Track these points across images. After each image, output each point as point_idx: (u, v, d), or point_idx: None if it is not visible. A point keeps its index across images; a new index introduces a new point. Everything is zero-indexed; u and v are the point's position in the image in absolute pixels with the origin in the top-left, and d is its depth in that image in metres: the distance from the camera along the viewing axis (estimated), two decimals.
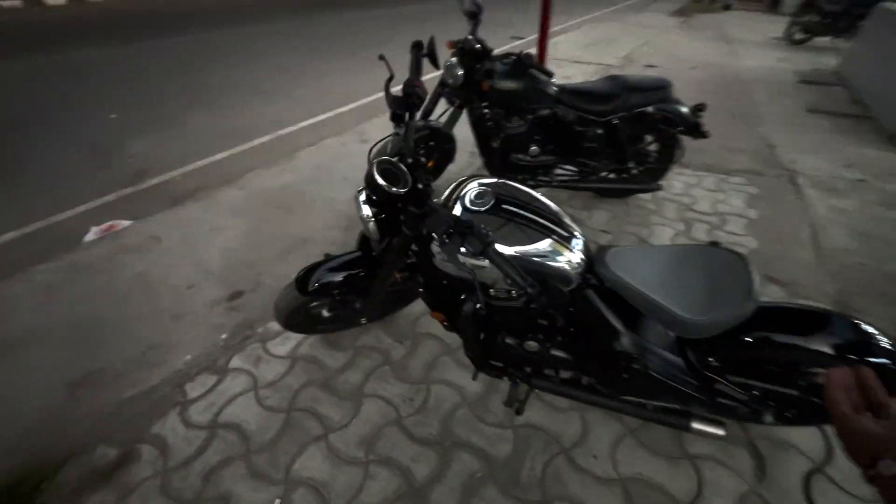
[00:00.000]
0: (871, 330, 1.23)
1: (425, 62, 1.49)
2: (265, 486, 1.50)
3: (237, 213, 3.08)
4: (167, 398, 1.79)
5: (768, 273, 2.41)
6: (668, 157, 2.87)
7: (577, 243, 1.31)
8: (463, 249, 1.04)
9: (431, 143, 2.86)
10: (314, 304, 1.76)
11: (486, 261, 1.06)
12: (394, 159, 1.19)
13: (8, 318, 2.18)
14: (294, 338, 2.05)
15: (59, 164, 3.82)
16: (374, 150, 1.36)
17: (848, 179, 3.40)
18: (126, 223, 3.07)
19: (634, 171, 2.93)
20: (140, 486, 1.50)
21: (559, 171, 2.93)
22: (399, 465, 1.55)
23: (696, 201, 3.14)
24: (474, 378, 1.66)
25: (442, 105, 2.81)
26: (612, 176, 2.96)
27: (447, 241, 1.04)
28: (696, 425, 1.42)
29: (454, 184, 1.37)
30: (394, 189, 1.14)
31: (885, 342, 1.21)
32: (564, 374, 1.60)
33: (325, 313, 1.89)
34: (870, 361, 1.18)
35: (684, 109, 2.65)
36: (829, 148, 3.95)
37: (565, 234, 1.30)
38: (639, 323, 1.32)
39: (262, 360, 1.95)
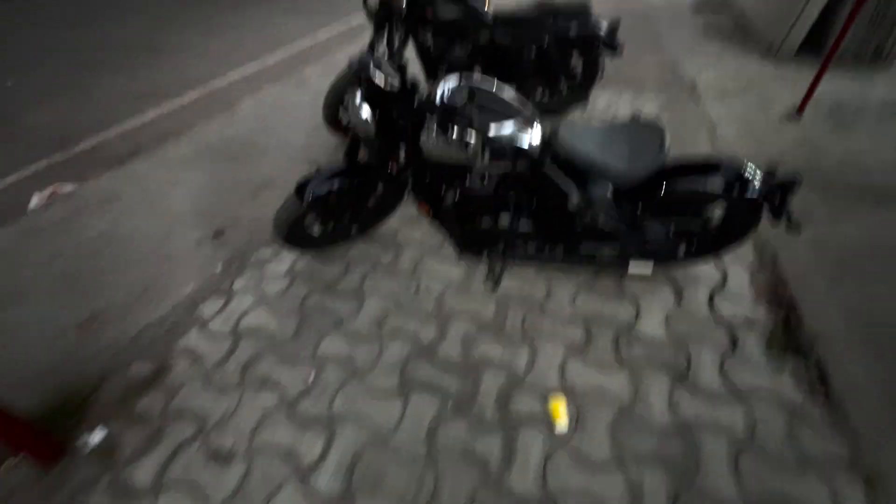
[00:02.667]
0: (748, 167, 1.68)
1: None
2: (298, 366, 1.76)
3: (191, 167, 3.08)
4: (183, 321, 1.96)
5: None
6: (592, 74, 3.25)
7: (537, 125, 1.63)
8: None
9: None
10: (309, 216, 1.97)
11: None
12: (382, 58, 1.40)
13: None
14: (287, 259, 2.25)
15: None
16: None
17: (735, 87, 4.02)
18: (70, 186, 2.97)
19: (564, 90, 3.30)
20: (184, 387, 1.70)
21: None
22: (408, 334, 1.87)
23: (618, 112, 3.60)
24: (460, 258, 1.99)
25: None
26: (545, 95, 3.31)
27: (437, 125, 1.30)
28: (632, 267, 1.86)
29: (436, 82, 1.62)
30: (388, 87, 1.37)
31: (757, 175, 1.66)
32: (531, 247, 1.98)
33: (316, 230, 2.10)
34: (747, 191, 1.65)
35: (603, 25, 3.00)
36: (721, 63, 4.57)
37: (528, 116, 1.62)
38: (586, 185, 1.69)
39: (264, 280, 2.15)
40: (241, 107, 3.93)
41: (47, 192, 2.96)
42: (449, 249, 2.24)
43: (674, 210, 1.81)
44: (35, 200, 2.90)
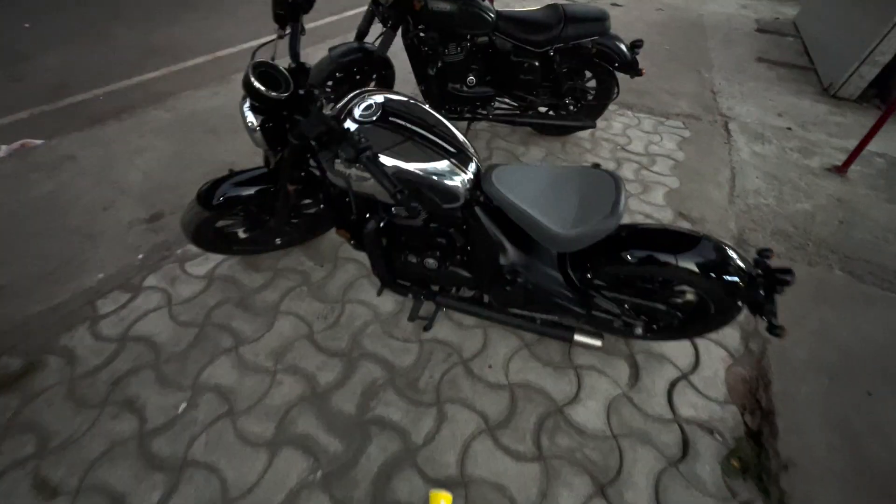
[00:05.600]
0: (730, 252, 1.35)
1: None
2: (173, 391, 1.56)
3: (163, 135, 2.92)
4: (76, 313, 1.79)
5: (681, 210, 2.56)
6: (605, 95, 2.89)
7: (469, 162, 1.34)
8: (340, 157, 1.05)
9: (366, 68, 2.75)
10: (223, 222, 1.75)
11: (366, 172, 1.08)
12: (272, 62, 1.15)
13: None
14: (214, 259, 2.05)
15: None
16: (256, 54, 1.28)
17: (776, 127, 3.54)
18: (38, 142, 2.87)
19: (572, 108, 2.95)
20: (45, 392, 1.53)
21: (497, 105, 2.90)
22: (305, 373, 1.64)
23: (631, 142, 3.21)
24: (379, 294, 1.74)
25: (379, 28, 2.67)
26: (550, 112, 2.97)
27: (322, 147, 1.04)
28: (578, 337, 1.56)
29: (349, 96, 1.35)
30: (273, 93, 1.12)
31: (739, 263, 1.34)
32: (466, 293, 1.70)
33: (241, 234, 1.89)
34: (725, 279, 1.32)
35: (621, 45, 2.63)
36: (767, 97, 4.06)
37: (455, 151, 1.33)
38: (524, 240, 1.40)
39: (179, 280, 1.95)
40: (239, 77, 3.75)
41: (15, 144, 2.87)
42: None
43: (631, 284, 1.50)
44: (2, 151, 2.81)
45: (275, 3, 1.17)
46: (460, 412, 1.56)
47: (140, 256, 2.06)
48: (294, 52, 1.21)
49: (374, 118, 1.25)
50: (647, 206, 2.59)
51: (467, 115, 2.85)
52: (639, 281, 1.50)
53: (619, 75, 2.72)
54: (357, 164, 1.09)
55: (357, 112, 1.26)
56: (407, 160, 1.25)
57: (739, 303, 1.35)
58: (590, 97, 2.92)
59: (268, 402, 1.55)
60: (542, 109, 2.95)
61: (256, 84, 1.10)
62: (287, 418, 1.51)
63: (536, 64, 2.63)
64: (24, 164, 2.61)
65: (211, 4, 5.25)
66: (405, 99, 1.37)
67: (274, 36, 1.21)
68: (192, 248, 2.08)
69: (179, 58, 4.04)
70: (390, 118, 1.28)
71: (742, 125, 3.54)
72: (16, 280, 1.91)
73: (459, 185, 1.30)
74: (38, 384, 1.56)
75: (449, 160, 1.29)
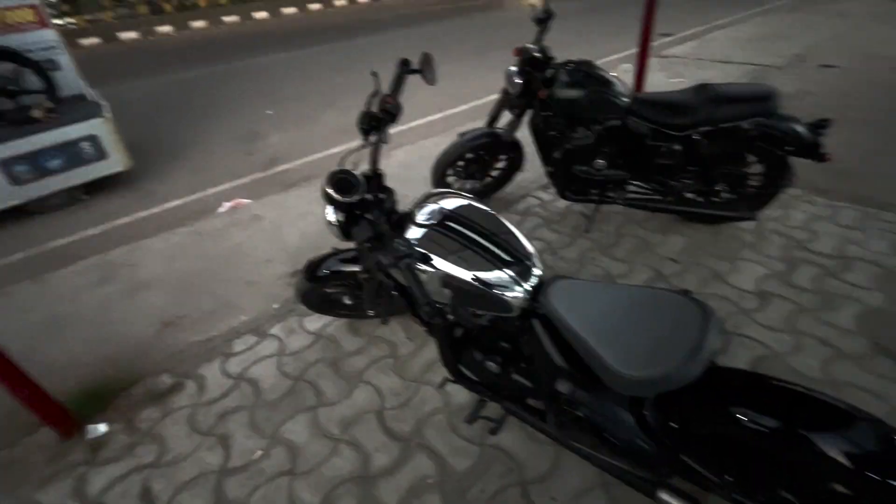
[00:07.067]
0: None
1: (416, 79, 1.48)
2: (256, 436, 1.76)
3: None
4: (217, 348, 2.20)
5: (881, 340, 1.87)
6: (773, 183, 2.38)
7: (529, 272, 1.24)
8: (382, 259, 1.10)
9: (495, 151, 2.87)
10: (329, 288, 1.97)
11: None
12: (350, 169, 1.28)
13: (143, 266, 2.90)
14: (326, 319, 2.31)
15: (221, 150, 4.83)
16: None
17: None
18: (247, 202, 3.74)
19: (726, 196, 2.51)
20: (176, 412, 1.90)
21: (632, 189, 2.66)
22: (363, 451, 1.67)
23: (817, 238, 2.54)
24: (441, 385, 1.68)
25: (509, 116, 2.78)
26: (699, 199, 2.58)
27: (373, 249, 1.11)
28: (664, 495, 1.23)
29: (419, 198, 1.41)
30: (341, 197, 1.24)
31: None
32: (534, 403, 1.52)
33: (346, 300, 2.09)
34: (888, 483, 0.90)
35: (797, 126, 2.17)
36: None
37: (515, 261, 1.25)
38: (587, 367, 1.19)
39: (294, 332, 2.25)
40: (397, 153, 4.31)
41: (233, 202, 3.81)
42: None
43: (742, 453, 1.12)
44: (223, 207, 3.76)
45: (361, 118, 1.33)
46: None
47: (275, 306, 2.44)
48: (373, 161, 1.34)
49: (434, 223, 1.27)
50: (824, 327, 1.98)
51: (594, 199, 2.69)
52: (754, 451, 1.12)
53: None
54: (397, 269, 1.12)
55: (419, 216, 1.31)
56: (459, 266, 1.23)
57: None
58: (752, 184, 2.45)
59: (323, 472, 1.61)
60: (689, 195, 2.58)
61: (328, 189, 1.24)
62: (333, 494, 1.54)
63: (676, 147, 2.35)
64: (231, 219, 3.43)
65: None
66: (477, 206, 1.37)
67: (358, 144, 1.36)
68: None
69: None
70: (450, 224, 1.28)
71: None
72: (193, 311, 2.47)
73: (514, 296, 1.21)
74: (175, 403, 1.94)
75: (508, 271, 1.22)
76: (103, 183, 4.02)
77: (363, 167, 1.37)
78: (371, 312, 2.04)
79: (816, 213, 2.76)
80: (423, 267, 1.25)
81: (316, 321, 2.30)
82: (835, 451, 0.92)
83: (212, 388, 1.99)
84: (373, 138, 1.34)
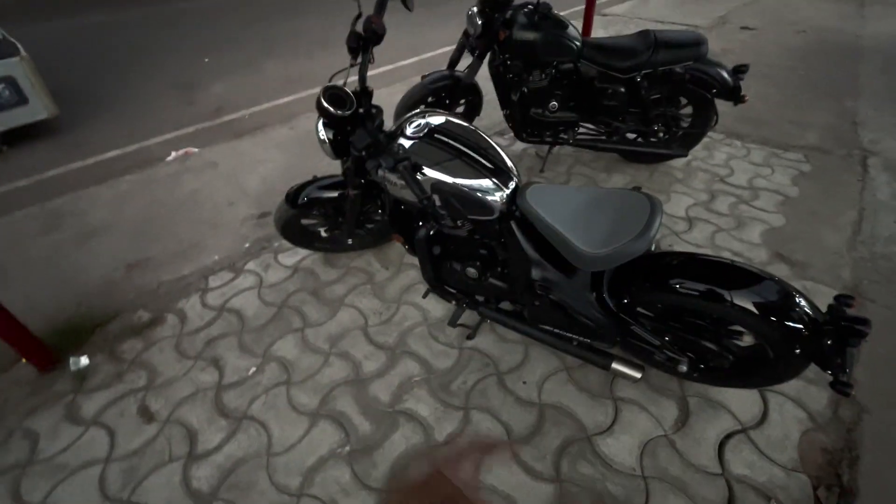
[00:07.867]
0: (798, 297, 1.23)
1: (397, 4, 1.56)
2: (248, 356, 1.86)
3: (281, 149, 3.46)
4: (193, 284, 2.22)
5: (780, 251, 2.28)
6: (702, 123, 2.72)
7: (509, 180, 1.42)
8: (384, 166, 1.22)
9: (455, 93, 2.96)
10: (307, 220, 2.05)
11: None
12: (341, 85, 1.37)
13: (92, 213, 2.77)
14: (301, 253, 2.38)
15: (157, 100, 4.50)
16: (332, 79, 1.50)
17: None
18: (196, 150, 3.60)
19: (663, 136, 2.82)
20: (160, 342, 1.93)
21: (581, 130, 2.89)
22: (353, 360, 1.82)
23: (733, 173, 2.94)
24: (424, 296, 1.86)
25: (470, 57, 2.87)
26: (638, 139, 2.87)
27: (370, 157, 1.22)
28: (616, 365, 1.51)
29: (406, 115, 1.52)
30: (337, 112, 1.33)
31: (806, 309, 1.21)
32: (506, 306, 1.75)
33: (322, 233, 2.18)
34: (785, 324, 1.20)
35: (721, 70, 2.48)
36: None
37: (497, 170, 1.42)
38: (557, 257, 1.41)
39: (271, 267, 2.31)
40: None
41: (181, 151, 3.64)
42: None
43: (679, 317, 1.41)
44: (171, 156, 3.59)
45: (349, 38, 1.39)
46: (485, 420, 1.60)
47: (246, 245, 2.47)
48: (361, 78, 1.43)
49: (422, 135, 1.40)
50: (736, 242, 2.35)
51: (548, 140, 2.90)
52: (688, 315, 1.41)
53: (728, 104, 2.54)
54: (396, 173, 1.24)
55: (408, 130, 1.43)
56: (447, 174, 1.37)
57: (798, 351, 1.20)
58: (684, 125, 2.77)
59: (318, 379, 1.75)
60: (631, 136, 2.87)
61: (325, 104, 1.33)
62: (330, 395, 1.69)
63: (621, 90, 2.59)
64: (182, 167, 3.30)
65: (343, 45, 6.05)
66: (459, 122, 1.51)
67: (347, 65, 1.44)
68: (286, 243, 2.43)
69: (308, 86, 4.73)
70: (438, 137, 1.42)
71: (887, 162, 3.01)
72: (158, 254, 2.43)
73: (495, 199, 1.38)
74: (157, 335, 1.97)
75: (489, 178, 1.39)
76: (25, 132, 3.66)
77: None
78: (350, 241, 2.14)
79: (734, 153, 3.17)
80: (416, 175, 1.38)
81: (291, 256, 2.37)
82: (747, 302, 1.21)
83: (194, 319, 2.03)
84: (359, 58, 1.42)
